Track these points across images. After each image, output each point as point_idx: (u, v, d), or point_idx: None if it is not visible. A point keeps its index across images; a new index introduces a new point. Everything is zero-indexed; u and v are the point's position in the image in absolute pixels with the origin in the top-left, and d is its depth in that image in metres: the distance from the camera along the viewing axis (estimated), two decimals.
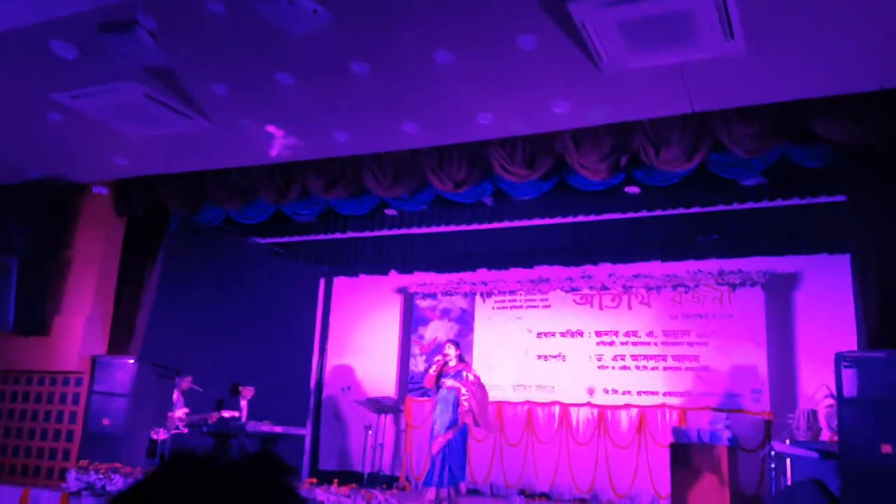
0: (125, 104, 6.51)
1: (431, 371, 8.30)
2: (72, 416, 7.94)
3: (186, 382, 8.65)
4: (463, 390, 7.95)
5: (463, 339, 9.92)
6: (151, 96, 6.37)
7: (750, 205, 8.33)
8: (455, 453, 7.83)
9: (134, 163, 7.98)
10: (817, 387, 7.37)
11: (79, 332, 8.09)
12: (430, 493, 7.80)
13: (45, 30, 5.46)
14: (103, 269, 8.38)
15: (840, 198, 7.37)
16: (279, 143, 7.13)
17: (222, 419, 8.86)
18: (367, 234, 10.42)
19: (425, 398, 10.54)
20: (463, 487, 7.82)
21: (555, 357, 10.12)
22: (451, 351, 8.23)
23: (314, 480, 6.08)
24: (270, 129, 6.90)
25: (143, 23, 5.05)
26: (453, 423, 7.93)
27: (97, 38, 5.11)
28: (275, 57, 5.81)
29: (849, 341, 6.62)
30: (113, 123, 6.94)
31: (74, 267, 8.35)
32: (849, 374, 5.35)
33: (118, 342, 8.28)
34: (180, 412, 8.65)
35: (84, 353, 8.05)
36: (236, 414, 9.09)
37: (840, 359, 5.43)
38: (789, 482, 6.53)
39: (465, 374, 8.07)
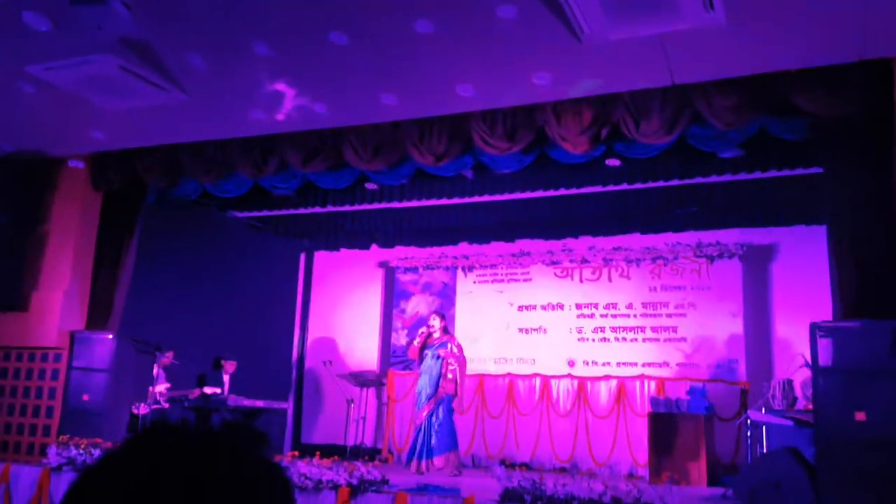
0: (100, 76, 6.40)
1: (415, 343, 8.35)
2: (51, 392, 7.90)
3: (167, 358, 8.62)
4: (450, 361, 7.99)
5: (445, 313, 9.94)
6: (127, 68, 6.27)
7: (728, 177, 8.38)
8: (443, 424, 7.88)
9: (110, 136, 7.86)
10: (793, 356, 7.49)
11: (57, 308, 8.02)
12: (415, 464, 7.87)
13: (17, 1, 5.34)
14: (80, 243, 8.29)
15: (817, 170, 7.43)
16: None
17: (204, 394, 8.86)
18: (348, 207, 10.36)
19: (407, 371, 10.59)
20: (454, 457, 7.85)
21: (535, 330, 10.19)
22: (435, 322, 8.28)
23: (296, 453, 6.11)
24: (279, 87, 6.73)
25: None
26: (435, 394, 7.98)
27: (70, 10, 5.02)
28: (252, 27, 5.73)
29: (824, 311, 6.72)
30: (88, 96, 6.83)
31: (51, 242, 8.26)
32: (824, 344, 5.43)
33: (97, 317, 8.22)
34: (161, 387, 8.63)
35: (63, 329, 7.99)
36: (218, 389, 9.09)
37: (815, 329, 5.51)
38: (765, 450, 6.65)
39: (449, 345, 8.11)
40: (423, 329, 8.44)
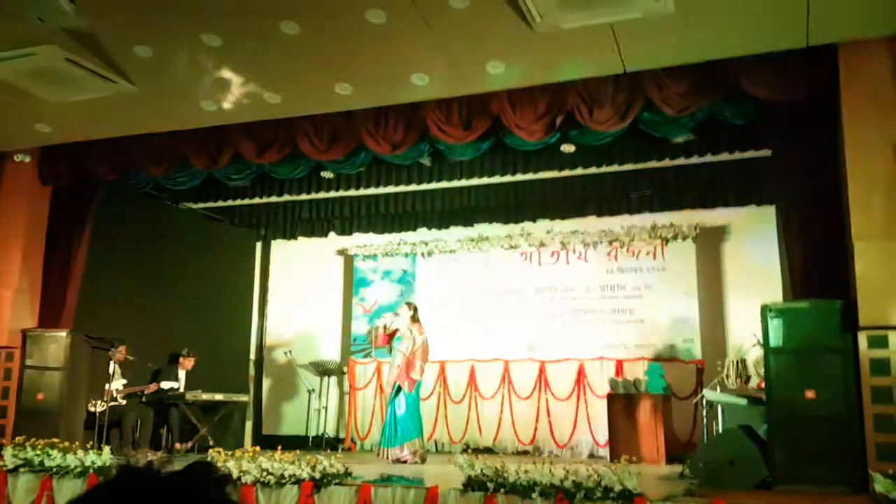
0: (45, 69, 6.25)
1: (382, 331, 8.39)
2: (4, 392, 7.73)
3: (121, 353, 8.49)
4: (414, 348, 7.99)
5: (406, 300, 9.95)
6: (72, 60, 6.12)
7: (680, 160, 8.53)
8: (407, 412, 7.91)
9: (57, 129, 7.68)
10: (746, 336, 7.67)
11: (7, 306, 7.84)
12: (382, 453, 7.90)
13: None
14: (29, 239, 8.10)
15: (766, 152, 7.60)
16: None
17: (160, 389, 8.75)
18: (304, 196, 10.31)
19: (368, 359, 10.60)
20: (418, 444, 7.89)
21: (496, 314, 10.26)
22: (402, 312, 8.30)
23: (257, 449, 6.08)
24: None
25: None
26: (399, 382, 8.01)
27: (12, 2, 4.87)
28: (200, 17, 5.63)
29: (775, 290, 6.91)
30: (33, 89, 6.66)
31: None
32: (774, 324, 5.57)
33: (49, 315, 8.06)
34: (117, 384, 8.50)
35: (14, 327, 7.83)
36: (175, 384, 8.98)
37: (765, 309, 5.64)
38: (720, 428, 6.82)
39: (414, 332, 8.11)
40: (388, 316, 8.47)
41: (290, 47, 5.98)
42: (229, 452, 5.97)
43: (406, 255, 10.85)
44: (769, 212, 7.83)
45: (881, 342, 5.31)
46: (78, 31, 5.72)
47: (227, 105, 7.03)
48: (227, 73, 6.47)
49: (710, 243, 9.56)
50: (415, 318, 8.26)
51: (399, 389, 7.97)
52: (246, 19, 5.62)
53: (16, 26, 5.57)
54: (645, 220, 9.70)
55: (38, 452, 6.53)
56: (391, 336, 8.37)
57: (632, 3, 5.10)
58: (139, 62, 6.26)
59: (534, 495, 4.79)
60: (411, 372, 7.94)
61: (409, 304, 8.56)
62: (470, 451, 8.43)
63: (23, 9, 5.05)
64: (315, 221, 11.04)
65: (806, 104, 6.05)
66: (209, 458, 5.61)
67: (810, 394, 5.34)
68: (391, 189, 9.95)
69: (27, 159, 8.08)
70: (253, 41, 5.93)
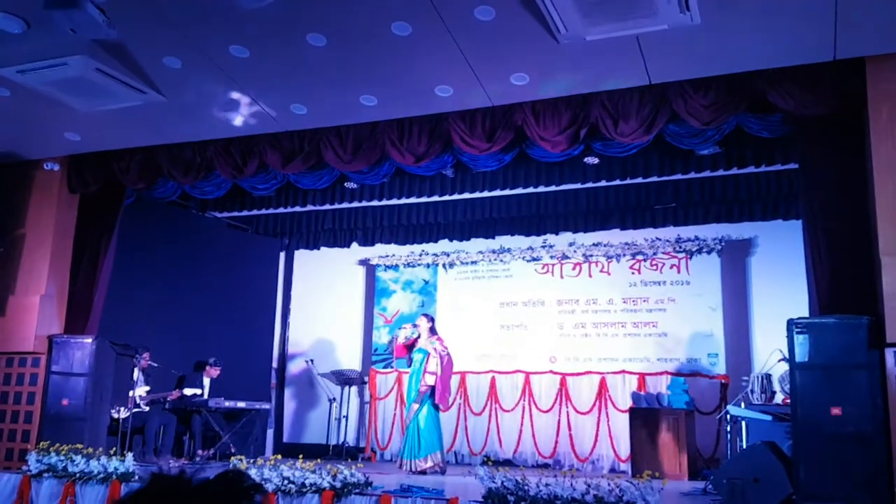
0: (76, 78, 6.34)
1: (401, 341, 8.41)
2: (30, 398, 7.82)
3: (144, 360, 8.57)
4: (433, 360, 8.00)
5: (426, 310, 9.96)
6: (103, 70, 6.22)
7: (706, 173, 8.49)
8: (428, 424, 7.90)
9: (86, 138, 7.79)
10: (771, 351, 7.58)
11: (34, 312, 7.93)
12: (405, 464, 7.90)
13: None
14: (57, 246, 8.21)
15: (793, 165, 7.53)
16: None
17: (183, 396, 8.81)
18: (328, 206, 10.39)
19: (389, 370, 10.60)
20: (439, 457, 7.87)
21: (517, 326, 10.24)
22: (422, 323, 8.30)
23: (279, 456, 6.10)
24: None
25: None
26: (418, 394, 8.01)
27: (44, 12, 4.96)
28: (229, 29, 5.70)
29: (801, 304, 6.81)
30: (63, 98, 6.76)
31: (27, 246, 8.16)
32: (800, 340, 5.50)
33: (75, 321, 8.15)
34: (141, 390, 8.57)
35: (41, 333, 7.91)
36: (198, 391, 9.04)
37: (791, 324, 5.58)
38: (744, 444, 6.74)
39: (435, 345, 8.12)
40: (408, 327, 8.47)
41: (317, 59, 6.03)
42: (251, 460, 6.00)
43: (427, 265, 10.86)
44: (796, 226, 7.75)
45: None
46: (108, 42, 5.81)
47: (252, 117, 7.10)
48: (254, 85, 6.54)
49: (735, 257, 9.48)
50: (433, 330, 8.27)
51: (424, 402, 7.95)
52: (273, 32, 5.68)
53: (49, 37, 5.67)
54: (669, 233, 9.64)
55: (62, 458, 6.60)
56: (409, 347, 8.36)
57: (657, 14, 5.09)
58: (168, 73, 6.34)
59: None
60: (446, 392, 7.97)
61: (426, 315, 8.56)
62: (490, 462, 8.39)
63: (56, 21, 5.13)
64: (338, 231, 11.10)
65: (834, 118, 5.99)
66: (239, 467, 5.63)
67: (836, 410, 5.26)
68: (413, 200, 9.99)
69: (56, 167, 8.20)
70: (280, 53, 5.99)
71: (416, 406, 7.99)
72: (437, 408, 8.07)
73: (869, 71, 5.67)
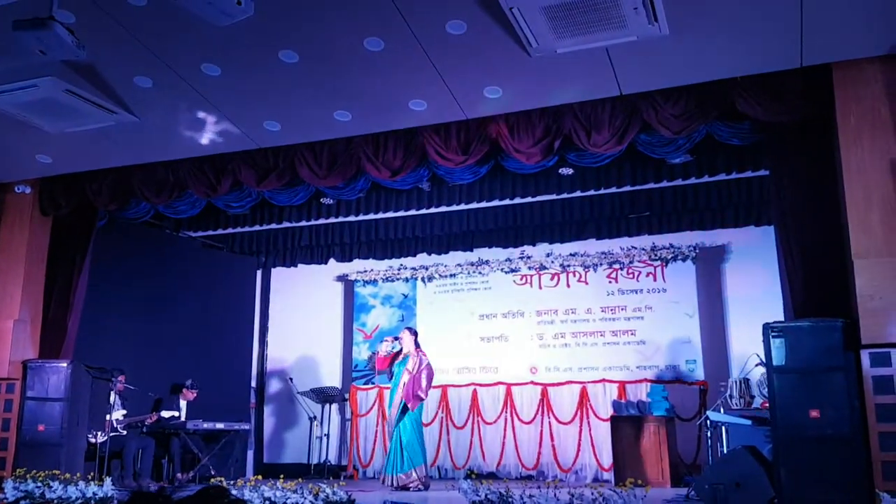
0: (45, 100, 6.31)
1: (382, 354, 8.36)
2: (5, 424, 7.69)
3: (120, 383, 8.45)
4: (412, 372, 7.99)
5: (406, 325, 9.93)
6: (73, 91, 6.18)
7: (678, 182, 8.58)
8: (410, 439, 7.86)
9: (58, 160, 7.71)
10: (748, 356, 7.64)
11: (8, 337, 7.81)
12: (388, 479, 7.84)
13: None
14: (30, 270, 8.10)
15: (764, 172, 7.63)
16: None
17: (161, 419, 8.70)
18: (304, 223, 10.35)
19: (370, 386, 10.55)
20: (422, 471, 7.82)
21: (497, 338, 10.24)
22: (405, 337, 8.29)
23: (259, 477, 6.04)
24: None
25: (61, 18, 4.88)
26: (402, 408, 7.97)
27: (12, 34, 4.91)
28: (200, 47, 5.69)
29: (776, 309, 6.89)
30: (33, 120, 6.70)
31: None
32: (776, 344, 5.55)
33: (50, 345, 8.03)
34: (118, 414, 8.45)
35: (15, 358, 7.79)
36: (175, 413, 8.93)
37: (767, 329, 5.63)
38: (725, 449, 6.78)
39: (415, 359, 8.11)
40: (390, 341, 8.45)
41: (290, 76, 6.03)
42: (231, 482, 5.94)
43: (406, 279, 10.85)
44: (768, 232, 7.84)
45: (884, 360, 5.30)
46: (78, 63, 5.77)
47: (225, 134, 7.07)
48: (227, 103, 6.52)
49: (710, 264, 9.56)
50: (417, 344, 8.27)
51: (404, 411, 7.93)
52: (245, 49, 5.67)
53: (17, 59, 5.61)
54: (644, 241, 9.71)
55: (40, 484, 6.49)
56: (390, 360, 8.34)
57: (626, 26, 5.15)
58: (139, 92, 6.31)
59: None
60: (417, 390, 7.92)
61: (409, 329, 8.56)
62: (474, 476, 8.37)
63: (24, 43, 5.09)
64: (315, 248, 11.05)
65: (803, 124, 6.09)
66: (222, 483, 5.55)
67: (814, 413, 5.31)
68: (391, 214, 9.99)
69: (28, 190, 8.11)
70: (252, 70, 5.98)
71: (398, 420, 7.95)
72: (419, 422, 8.03)
73: (836, 77, 5.77)
